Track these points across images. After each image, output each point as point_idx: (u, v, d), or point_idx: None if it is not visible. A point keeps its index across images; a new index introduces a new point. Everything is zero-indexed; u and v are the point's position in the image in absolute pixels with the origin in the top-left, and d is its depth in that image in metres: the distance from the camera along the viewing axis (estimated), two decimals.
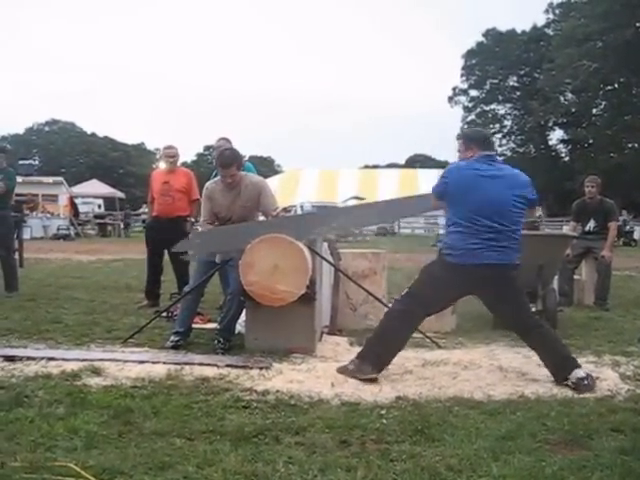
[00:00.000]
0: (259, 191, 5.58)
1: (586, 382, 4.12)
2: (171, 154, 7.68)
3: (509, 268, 4.33)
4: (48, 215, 28.85)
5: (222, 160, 5.47)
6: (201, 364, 4.53)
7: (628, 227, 28.20)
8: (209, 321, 6.14)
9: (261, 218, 5.82)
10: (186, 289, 5.52)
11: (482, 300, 4.58)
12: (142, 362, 4.55)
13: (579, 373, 4.17)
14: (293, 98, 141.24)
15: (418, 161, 68.09)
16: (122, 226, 32.31)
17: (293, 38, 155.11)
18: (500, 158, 4.71)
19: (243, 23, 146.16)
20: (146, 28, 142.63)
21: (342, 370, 4.34)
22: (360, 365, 4.28)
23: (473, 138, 4.57)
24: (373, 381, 4.19)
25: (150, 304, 7.40)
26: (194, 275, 5.76)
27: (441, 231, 24.71)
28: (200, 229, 5.78)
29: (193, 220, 7.53)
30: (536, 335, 4.42)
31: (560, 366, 4.28)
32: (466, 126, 54.51)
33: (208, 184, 5.73)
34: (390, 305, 4.57)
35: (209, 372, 4.32)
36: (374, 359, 4.30)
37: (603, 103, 47.33)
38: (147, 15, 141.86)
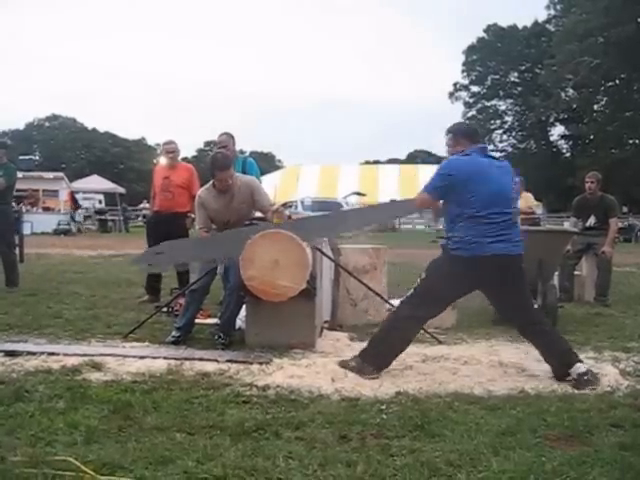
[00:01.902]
0: (252, 190, 5.58)
1: (586, 377, 4.11)
2: (170, 149, 7.66)
3: (519, 259, 4.32)
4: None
5: (219, 164, 5.45)
6: (201, 359, 4.53)
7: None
8: (209, 316, 6.14)
9: (257, 214, 5.82)
10: (193, 287, 5.50)
11: (488, 294, 4.54)
12: (142, 357, 4.56)
13: (580, 368, 4.17)
14: (294, 94, 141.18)
15: (419, 157, 68.06)
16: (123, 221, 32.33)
17: (295, 34, 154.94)
18: (501, 154, 4.75)
19: (245, 19, 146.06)
20: (147, 24, 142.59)
21: (344, 364, 4.35)
22: (362, 364, 4.28)
23: (462, 132, 4.56)
24: (373, 378, 4.19)
25: (151, 299, 7.41)
26: (198, 272, 5.74)
27: (440, 226, 24.57)
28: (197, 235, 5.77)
29: (193, 216, 7.52)
30: (539, 330, 4.41)
31: (562, 361, 4.27)
32: (467, 122, 54.59)
33: (200, 192, 5.73)
34: (395, 302, 4.54)
35: (209, 367, 4.32)
36: (376, 360, 4.30)
37: (604, 99, 47.29)
38: (148, 11, 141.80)
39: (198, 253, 5.45)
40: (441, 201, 4.45)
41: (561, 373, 4.24)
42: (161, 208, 7.65)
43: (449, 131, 4.60)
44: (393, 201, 5.11)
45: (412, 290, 4.42)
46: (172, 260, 5.48)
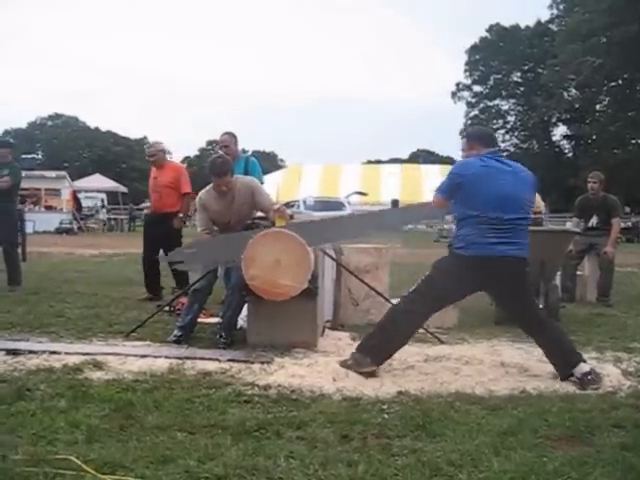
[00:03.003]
0: (252, 191, 5.58)
1: (590, 377, 4.10)
2: (150, 153, 7.78)
3: (522, 262, 4.32)
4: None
5: (216, 169, 5.44)
6: (203, 358, 4.53)
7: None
8: (211, 316, 6.14)
9: (259, 214, 5.81)
10: (196, 287, 5.49)
11: (492, 295, 4.56)
12: (144, 356, 4.56)
13: (584, 368, 4.16)
14: (296, 93, 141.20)
15: (421, 156, 68.10)
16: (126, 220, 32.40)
17: (295, 34, 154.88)
18: (502, 154, 4.73)
19: (246, 20, 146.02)
20: (149, 24, 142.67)
21: (343, 363, 4.34)
22: (359, 358, 4.27)
23: (477, 136, 4.60)
24: (372, 375, 4.18)
25: (151, 297, 7.44)
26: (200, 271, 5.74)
27: (446, 226, 24.62)
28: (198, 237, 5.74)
29: (181, 215, 7.56)
30: (546, 331, 4.40)
31: (567, 361, 4.26)
32: (469, 122, 54.58)
33: (201, 194, 5.72)
34: (396, 301, 4.54)
35: (211, 366, 4.32)
36: (374, 352, 4.29)
37: (607, 99, 47.23)
38: (150, 11, 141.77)
39: (223, 253, 5.38)
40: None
41: (565, 373, 4.24)
42: (153, 208, 7.96)
43: (464, 135, 4.67)
44: (409, 206, 5.11)
45: (415, 285, 4.43)
46: (201, 260, 5.44)
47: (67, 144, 67.60)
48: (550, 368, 4.37)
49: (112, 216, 32.67)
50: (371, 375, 4.19)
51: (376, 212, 6.25)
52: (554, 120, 52.64)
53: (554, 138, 54.28)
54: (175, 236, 7.47)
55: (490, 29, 54.40)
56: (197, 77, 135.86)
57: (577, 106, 48.31)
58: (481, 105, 55.86)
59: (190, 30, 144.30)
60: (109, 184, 38.05)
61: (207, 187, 5.69)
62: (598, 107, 48.18)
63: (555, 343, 4.37)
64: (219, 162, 5.52)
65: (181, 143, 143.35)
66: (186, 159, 72.59)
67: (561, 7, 50.29)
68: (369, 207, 24.15)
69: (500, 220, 4.19)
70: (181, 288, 7.09)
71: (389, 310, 4.51)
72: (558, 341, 4.38)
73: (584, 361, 4.25)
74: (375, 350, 4.30)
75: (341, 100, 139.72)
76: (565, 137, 53.60)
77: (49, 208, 29.74)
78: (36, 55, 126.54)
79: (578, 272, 8.42)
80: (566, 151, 54.00)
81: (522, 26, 54.03)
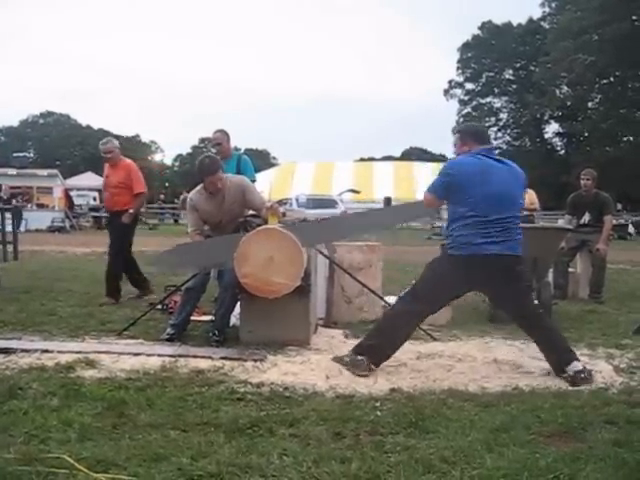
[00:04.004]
0: (242, 190, 5.55)
1: (583, 375, 4.11)
2: (106, 150, 7.62)
3: (515, 260, 4.31)
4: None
5: (206, 169, 5.39)
6: (196, 356, 4.52)
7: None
8: (204, 313, 6.12)
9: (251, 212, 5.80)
10: (190, 285, 5.49)
11: (488, 294, 4.54)
12: (137, 354, 4.55)
13: (577, 366, 4.16)
14: (289, 92, 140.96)
15: (414, 154, 68.16)
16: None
17: (296, 33, 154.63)
18: (495, 151, 4.71)
19: (239, 17, 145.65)
20: (142, 21, 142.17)
21: (338, 360, 4.34)
22: (355, 359, 4.26)
23: (469, 132, 4.57)
24: (366, 375, 4.19)
25: (141, 294, 7.43)
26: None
27: (438, 223, 24.66)
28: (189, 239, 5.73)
29: (132, 211, 7.39)
30: (541, 329, 4.40)
31: (561, 359, 4.27)
32: (462, 120, 54.66)
33: (191, 195, 5.67)
34: (389, 298, 4.55)
35: (204, 364, 4.32)
36: (372, 354, 4.27)
37: (599, 96, 47.43)
38: (150, 11, 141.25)
39: (208, 256, 5.38)
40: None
41: (559, 370, 4.24)
42: (105, 208, 8.19)
43: (457, 131, 4.62)
44: (401, 205, 5.11)
45: (411, 286, 4.44)
46: (183, 262, 5.44)
47: (59, 142, 67.38)
48: (543, 365, 4.39)
49: (104, 214, 32.50)
50: (365, 375, 4.18)
51: (368, 211, 6.25)
52: (546, 117, 52.84)
53: (546, 135, 54.58)
54: (123, 233, 7.41)
55: (482, 27, 54.51)
56: (190, 75, 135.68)
57: (569, 103, 48.44)
58: (473, 103, 55.99)
59: (190, 30, 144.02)
60: (101, 182, 37.82)
61: (197, 187, 5.66)
62: (590, 104, 48.38)
63: (551, 342, 4.36)
64: (207, 162, 5.48)
65: (176, 141, 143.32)
66: (178, 157, 72.58)
67: (553, 5, 50.43)
68: (362, 204, 24.24)
69: (493, 219, 4.19)
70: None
71: (386, 311, 4.50)
72: (554, 340, 4.38)
73: (578, 359, 4.25)
74: (373, 351, 4.29)
75: (334, 99, 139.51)
76: (557, 134, 53.86)
77: (41, 206, 29.64)
78: (28, 53, 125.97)
79: (570, 269, 8.44)
80: (558, 148, 54.23)
81: (514, 24, 54.22)
